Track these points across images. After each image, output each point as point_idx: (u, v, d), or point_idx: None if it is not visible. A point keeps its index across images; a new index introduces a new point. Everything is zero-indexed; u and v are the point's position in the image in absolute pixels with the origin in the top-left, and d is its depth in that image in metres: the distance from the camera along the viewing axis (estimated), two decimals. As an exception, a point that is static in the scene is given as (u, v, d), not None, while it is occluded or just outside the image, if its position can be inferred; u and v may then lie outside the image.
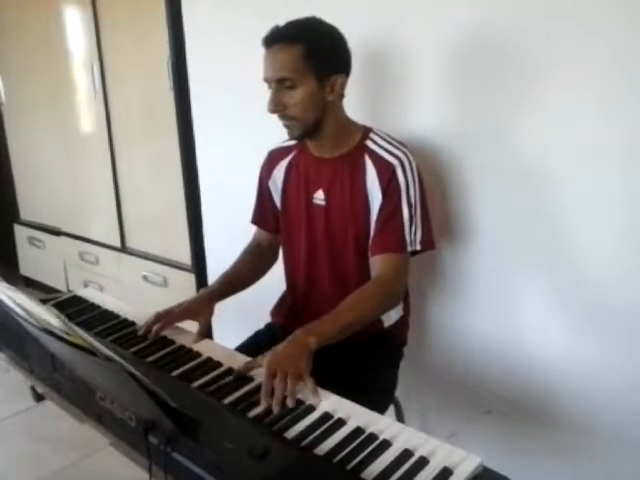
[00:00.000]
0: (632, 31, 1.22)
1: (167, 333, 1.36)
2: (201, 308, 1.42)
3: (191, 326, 1.39)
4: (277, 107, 1.32)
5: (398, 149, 1.37)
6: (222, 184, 2.26)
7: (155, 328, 1.34)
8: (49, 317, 0.95)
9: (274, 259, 1.64)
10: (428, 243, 1.40)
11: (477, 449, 0.91)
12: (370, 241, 1.39)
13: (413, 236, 1.36)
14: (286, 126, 1.37)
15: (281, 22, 1.32)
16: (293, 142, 1.50)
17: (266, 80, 1.32)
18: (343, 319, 1.25)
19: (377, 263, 1.36)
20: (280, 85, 1.30)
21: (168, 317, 1.38)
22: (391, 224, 1.35)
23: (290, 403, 1.05)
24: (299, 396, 1.07)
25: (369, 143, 1.39)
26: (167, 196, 2.61)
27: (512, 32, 1.39)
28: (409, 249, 1.36)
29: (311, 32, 1.30)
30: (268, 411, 1.03)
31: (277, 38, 1.29)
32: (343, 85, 1.35)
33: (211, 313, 1.44)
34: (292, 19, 1.32)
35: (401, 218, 1.34)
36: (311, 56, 1.28)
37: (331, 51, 1.32)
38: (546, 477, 1.59)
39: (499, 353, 1.60)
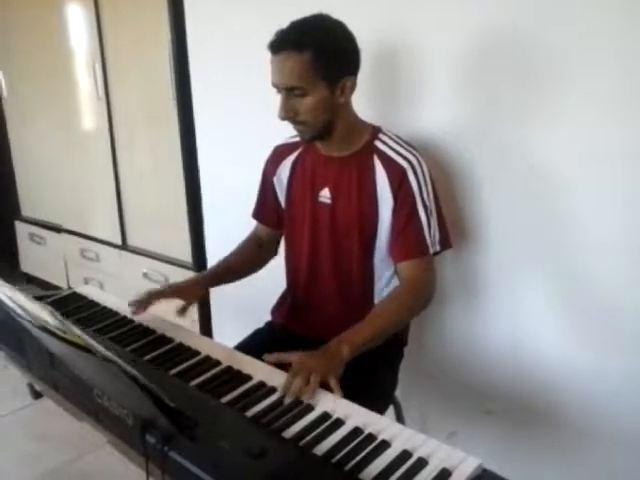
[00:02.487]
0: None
1: (166, 331, 1.36)
2: (191, 289, 1.46)
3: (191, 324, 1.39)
4: (288, 114, 1.30)
5: (408, 151, 1.36)
6: (223, 181, 2.25)
7: (145, 304, 1.38)
8: (45, 315, 0.94)
9: (272, 254, 1.64)
10: (446, 242, 1.41)
11: (477, 450, 0.90)
12: (390, 249, 1.38)
13: (433, 237, 1.36)
14: (298, 130, 1.36)
15: (287, 20, 1.28)
16: (299, 139, 1.49)
17: (274, 86, 1.30)
18: (375, 327, 1.25)
19: (404, 269, 1.35)
20: (290, 92, 1.28)
21: (158, 294, 1.41)
22: (411, 229, 1.34)
23: (306, 397, 1.06)
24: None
25: (378, 144, 1.38)
26: (168, 193, 2.60)
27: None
28: (431, 250, 1.35)
29: (319, 37, 1.26)
30: (266, 410, 1.03)
31: (284, 44, 1.25)
32: (353, 86, 1.33)
33: (199, 296, 1.47)
34: (297, 19, 1.28)
35: (419, 221, 1.34)
36: (320, 63, 1.25)
37: (340, 55, 1.29)
38: (546, 478, 1.59)
39: (500, 354, 1.60)
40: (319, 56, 1.24)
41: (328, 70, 1.26)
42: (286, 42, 1.25)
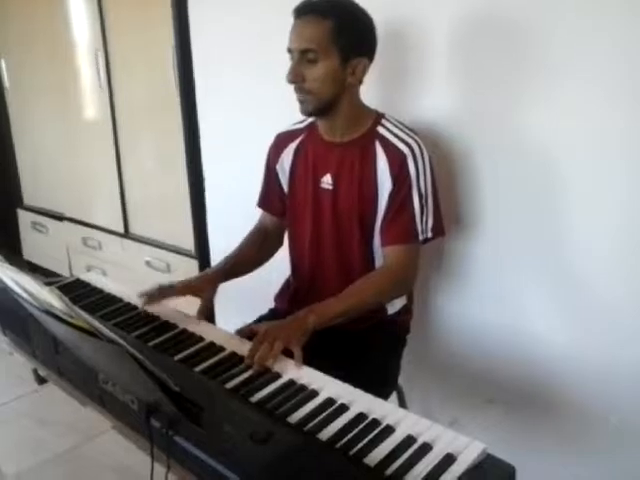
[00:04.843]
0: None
1: (170, 317, 1.36)
2: (204, 286, 1.43)
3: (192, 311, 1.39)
4: (296, 78, 1.31)
5: (410, 137, 1.36)
6: (226, 169, 2.25)
7: (156, 299, 1.36)
8: (52, 299, 0.94)
9: (279, 244, 1.63)
10: (439, 230, 1.40)
11: (479, 437, 0.90)
12: (380, 231, 1.39)
13: (424, 225, 1.36)
14: (300, 101, 1.35)
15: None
16: (301, 125, 1.49)
17: (289, 50, 1.31)
18: (347, 304, 1.28)
19: (389, 254, 1.36)
20: (302, 57, 1.29)
21: (169, 291, 1.39)
22: (402, 214, 1.34)
23: (269, 362, 1.11)
24: (292, 377, 1.08)
25: (380, 129, 1.38)
26: (170, 181, 2.60)
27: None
28: (420, 238, 1.36)
29: (344, 10, 1.29)
30: (271, 396, 1.03)
31: (309, 9, 1.28)
32: (365, 70, 1.34)
33: (214, 292, 1.45)
34: None
35: (412, 208, 1.34)
36: (339, 33, 1.27)
37: (360, 33, 1.31)
38: (548, 465, 1.59)
39: (502, 342, 1.60)
40: (340, 27, 1.27)
41: (344, 43, 1.28)
42: (312, 7, 1.29)
